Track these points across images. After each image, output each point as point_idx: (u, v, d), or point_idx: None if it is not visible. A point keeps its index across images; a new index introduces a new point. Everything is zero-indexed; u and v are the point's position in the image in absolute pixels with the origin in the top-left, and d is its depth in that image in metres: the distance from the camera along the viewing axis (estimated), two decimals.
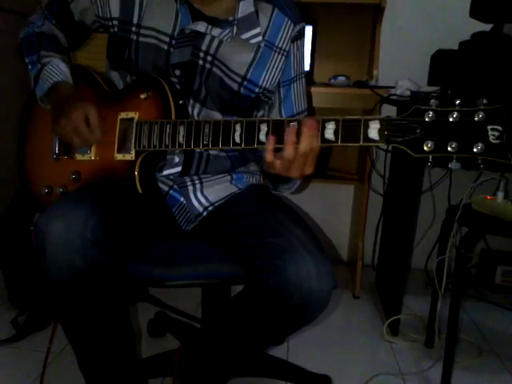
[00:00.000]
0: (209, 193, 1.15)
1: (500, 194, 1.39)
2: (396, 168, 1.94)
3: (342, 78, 1.95)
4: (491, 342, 1.71)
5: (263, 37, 1.10)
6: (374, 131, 0.85)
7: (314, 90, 1.89)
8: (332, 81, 1.95)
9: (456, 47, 1.71)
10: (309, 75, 2.01)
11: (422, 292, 2.03)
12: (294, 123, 0.89)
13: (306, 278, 0.90)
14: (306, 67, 2.00)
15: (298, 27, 1.13)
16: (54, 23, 1.18)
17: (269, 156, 0.90)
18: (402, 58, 2.07)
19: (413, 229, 2.19)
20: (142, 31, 1.08)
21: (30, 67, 1.13)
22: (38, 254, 0.89)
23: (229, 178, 1.17)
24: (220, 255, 1.09)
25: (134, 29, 1.09)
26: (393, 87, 1.87)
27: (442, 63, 1.68)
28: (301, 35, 1.15)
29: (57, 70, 1.10)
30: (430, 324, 1.63)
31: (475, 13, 1.70)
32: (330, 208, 2.32)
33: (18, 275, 1.72)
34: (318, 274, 0.91)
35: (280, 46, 1.12)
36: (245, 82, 1.11)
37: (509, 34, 1.65)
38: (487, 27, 1.69)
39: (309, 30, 1.98)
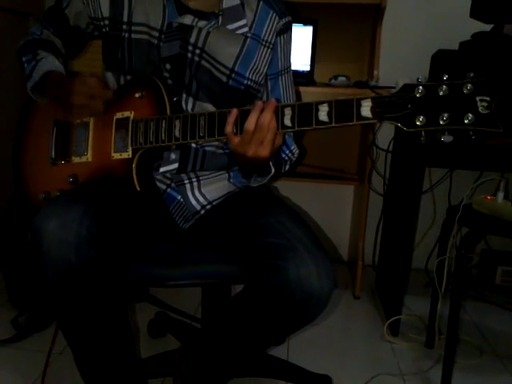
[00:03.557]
0: (207, 191, 1.15)
1: (500, 195, 1.39)
2: (396, 168, 1.94)
3: (342, 78, 1.95)
4: (491, 343, 1.71)
5: (249, 29, 1.11)
6: (366, 109, 0.87)
7: (314, 90, 1.89)
8: (332, 81, 1.95)
9: (456, 47, 1.71)
10: (309, 75, 2.01)
11: (423, 292, 2.03)
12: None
13: (306, 278, 0.90)
14: (307, 67, 2.01)
15: (283, 21, 1.15)
16: (52, 31, 1.20)
17: (228, 127, 0.94)
18: (403, 58, 2.07)
19: (413, 229, 2.19)
20: (134, 28, 1.10)
21: (25, 65, 1.14)
22: (33, 253, 0.89)
23: (226, 175, 1.17)
24: (219, 255, 1.09)
25: (124, 27, 1.10)
26: (393, 87, 1.86)
27: (442, 63, 1.68)
28: (287, 29, 1.17)
29: (51, 63, 1.11)
30: (431, 324, 1.62)
31: (476, 13, 1.71)
32: (330, 208, 2.32)
33: (18, 276, 1.72)
34: (318, 273, 0.91)
35: (266, 38, 1.13)
36: (233, 75, 1.12)
37: (509, 34, 1.65)
38: (487, 27, 1.70)
39: (309, 30, 1.98)
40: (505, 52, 1.57)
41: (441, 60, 1.70)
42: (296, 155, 1.22)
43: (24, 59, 1.15)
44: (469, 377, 1.51)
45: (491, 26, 1.69)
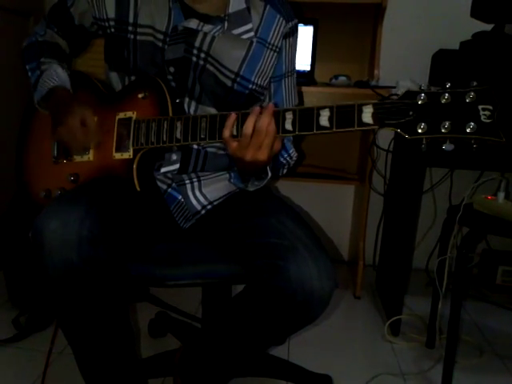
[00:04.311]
0: (207, 191, 1.15)
1: (501, 194, 1.39)
2: (397, 168, 1.94)
3: (342, 78, 1.95)
4: (492, 343, 1.71)
5: (255, 33, 1.11)
6: (367, 115, 0.87)
7: (314, 89, 1.89)
8: (333, 81, 1.95)
9: (457, 47, 1.71)
10: (309, 75, 2.01)
11: (423, 292, 2.03)
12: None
13: (307, 278, 0.90)
14: (307, 67, 2.01)
15: (290, 24, 1.14)
16: (56, 30, 1.20)
17: (226, 131, 0.94)
18: (403, 57, 2.07)
19: (414, 229, 2.19)
20: (139, 30, 1.09)
21: (29, 74, 1.15)
22: (35, 253, 0.89)
23: (227, 176, 1.17)
24: (220, 255, 1.09)
25: (130, 28, 1.10)
26: (394, 87, 1.87)
27: (443, 63, 1.68)
28: (293, 32, 1.16)
29: (55, 75, 1.11)
30: (431, 324, 1.62)
31: (476, 13, 1.70)
32: (330, 208, 2.32)
33: (19, 275, 1.72)
34: (319, 273, 0.91)
35: (272, 42, 1.13)
36: (238, 79, 1.11)
37: (510, 34, 1.65)
38: (488, 27, 1.70)
39: (309, 30, 1.98)
40: (505, 52, 1.57)
41: (441, 60, 1.70)
42: (294, 159, 1.22)
43: (28, 67, 1.16)
44: (469, 376, 1.51)
45: (492, 25, 1.69)
